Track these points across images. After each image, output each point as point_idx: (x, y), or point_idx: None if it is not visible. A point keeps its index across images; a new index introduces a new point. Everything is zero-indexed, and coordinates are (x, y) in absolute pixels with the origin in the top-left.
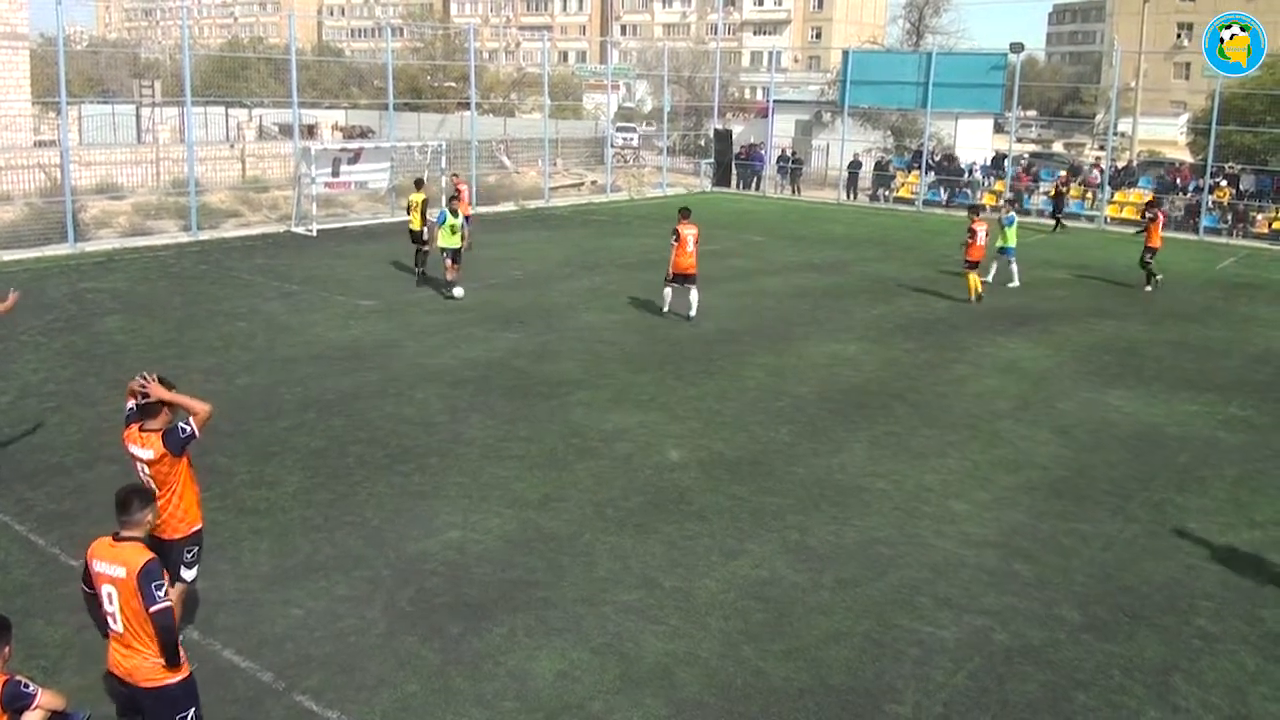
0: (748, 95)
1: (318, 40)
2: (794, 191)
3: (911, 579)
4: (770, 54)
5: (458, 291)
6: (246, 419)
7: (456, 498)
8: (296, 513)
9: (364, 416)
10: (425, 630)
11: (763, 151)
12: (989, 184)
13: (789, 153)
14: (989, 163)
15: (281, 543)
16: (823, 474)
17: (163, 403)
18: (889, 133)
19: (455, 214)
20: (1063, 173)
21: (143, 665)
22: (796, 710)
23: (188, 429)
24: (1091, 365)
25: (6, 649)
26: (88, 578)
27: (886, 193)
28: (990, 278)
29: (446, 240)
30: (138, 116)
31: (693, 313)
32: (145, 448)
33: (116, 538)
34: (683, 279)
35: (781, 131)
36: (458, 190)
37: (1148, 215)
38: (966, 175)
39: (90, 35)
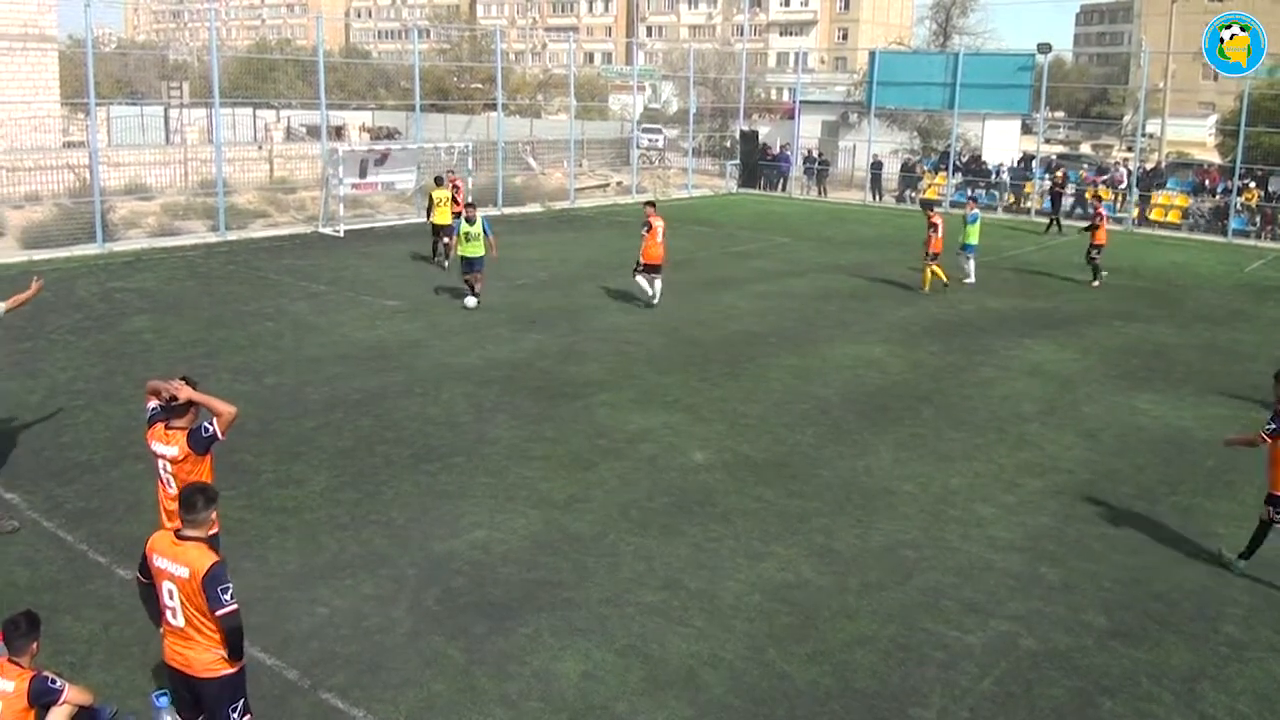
0: (774, 96)
1: (345, 42)
2: (820, 193)
3: (937, 583)
4: (796, 55)
5: (470, 301)
6: (274, 418)
7: (482, 498)
8: (323, 511)
9: (390, 416)
10: (450, 630)
11: (789, 153)
12: (1018, 185)
13: (815, 154)
14: (1016, 164)
15: (308, 541)
16: (848, 476)
17: (190, 403)
18: (915, 134)
19: (471, 221)
20: (1059, 173)
21: (202, 656)
22: (822, 714)
23: (210, 429)
24: (1119, 368)
25: (35, 644)
26: (145, 569)
27: (913, 194)
28: (971, 278)
29: (463, 249)
30: (166, 118)
31: (656, 300)
32: (170, 444)
33: (179, 535)
34: (651, 269)
35: (808, 133)
36: (455, 186)
37: (1092, 213)
38: (994, 176)
39: (118, 37)
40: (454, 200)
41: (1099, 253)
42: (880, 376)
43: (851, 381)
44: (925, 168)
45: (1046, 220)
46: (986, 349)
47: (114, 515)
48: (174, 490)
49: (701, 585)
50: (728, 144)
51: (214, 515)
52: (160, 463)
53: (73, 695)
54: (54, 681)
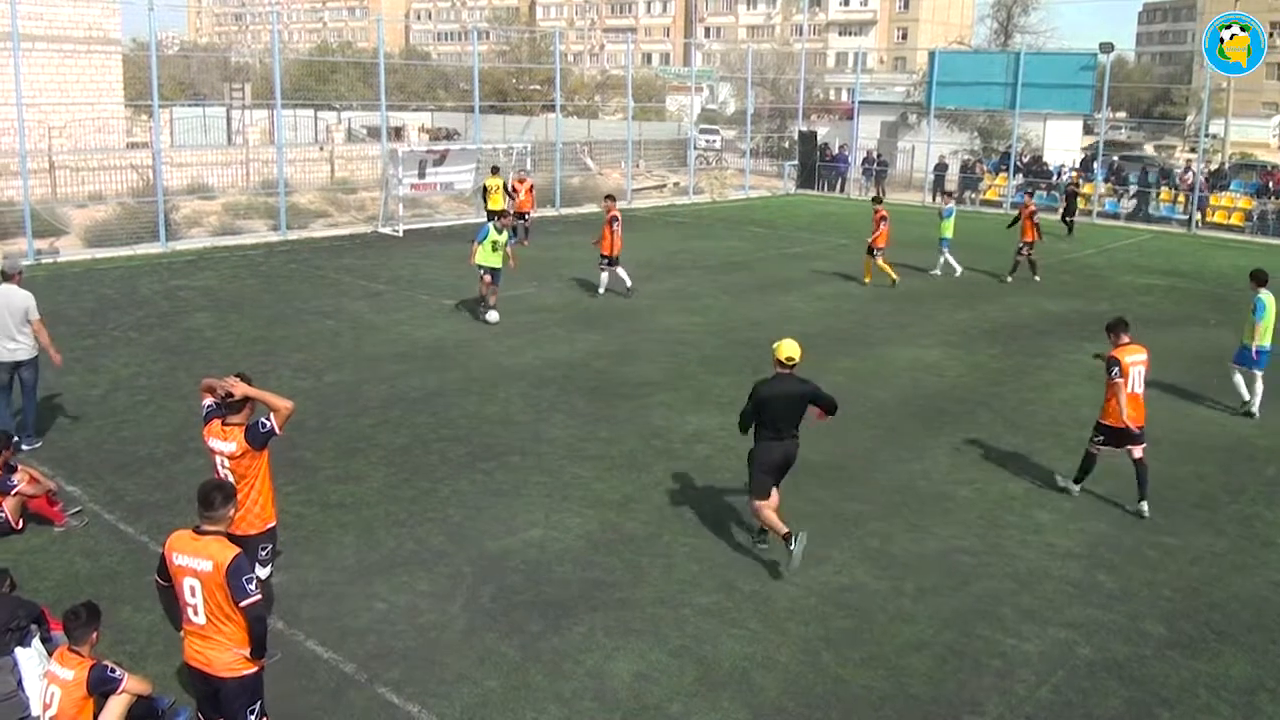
0: (832, 97)
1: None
2: (879, 194)
3: (994, 589)
4: (855, 55)
5: (492, 316)
6: (333, 415)
7: (538, 496)
8: (380, 508)
9: (447, 414)
10: (505, 627)
11: (847, 153)
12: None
13: (874, 155)
14: (1077, 164)
15: (365, 537)
16: (904, 480)
17: (246, 399)
18: (976, 134)
19: (501, 230)
20: (1074, 173)
21: (222, 656)
22: (876, 719)
23: (268, 424)
24: (1180, 373)
25: (95, 634)
26: (164, 571)
27: (973, 195)
28: (938, 270)
29: (486, 258)
30: (228, 119)
31: (629, 283)
32: (228, 440)
33: (198, 531)
34: (609, 261)
35: (866, 133)
36: (515, 187)
37: (1027, 210)
38: (1055, 177)
39: (181, 40)
40: (509, 194)
41: (1030, 249)
42: (937, 380)
43: (908, 384)
44: (986, 168)
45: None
46: (1045, 352)
47: (175, 508)
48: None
49: (756, 587)
50: (785, 145)
51: (233, 511)
52: (218, 458)
53: (131, 685)
54: (113, 671)
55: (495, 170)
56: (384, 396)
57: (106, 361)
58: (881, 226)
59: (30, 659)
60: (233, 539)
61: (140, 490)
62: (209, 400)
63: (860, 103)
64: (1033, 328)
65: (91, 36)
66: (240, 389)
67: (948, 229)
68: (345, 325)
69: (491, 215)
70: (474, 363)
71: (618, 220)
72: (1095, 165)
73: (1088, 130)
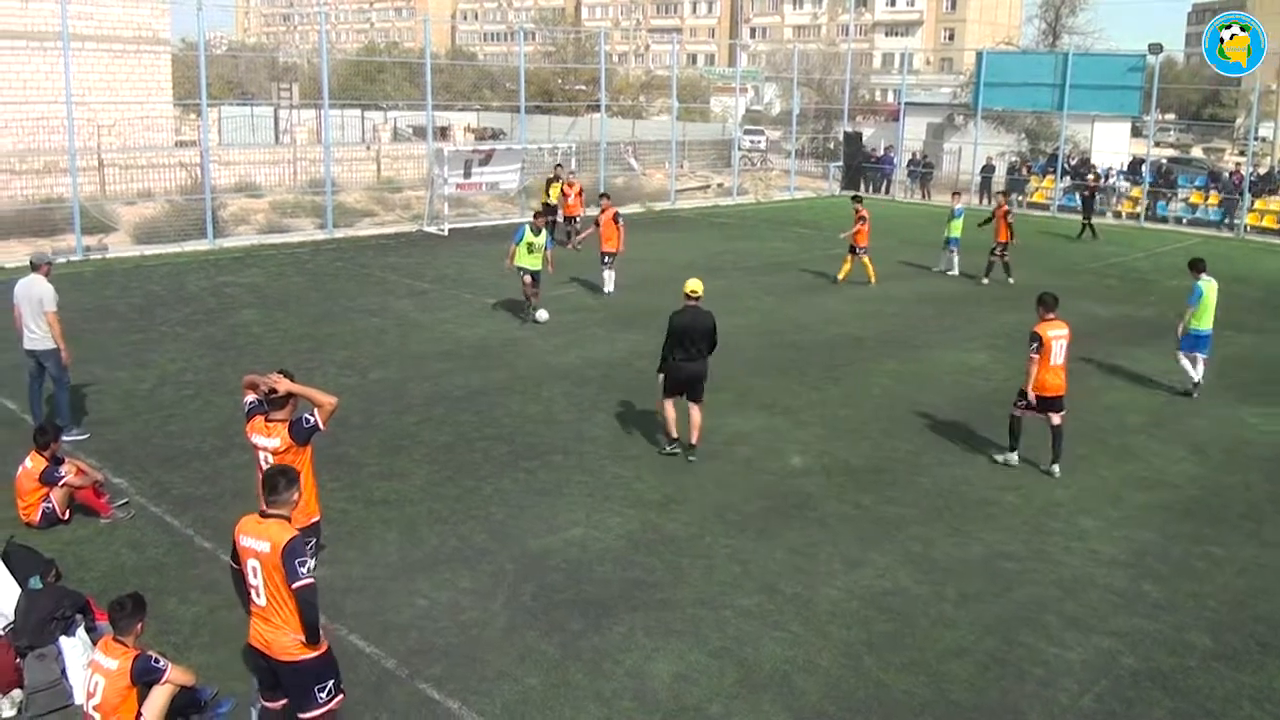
0: (878, 98)
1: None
2: (924, 196)
3: (1038, 596)
4: (902, 56)
5: (541, 315)
6: (377, 412)
7: (579, 495)
8: (424, 505)
9: (491, 413)
10: (546, 625)
11: (893, 155)
12: (1125, 189)
13: (919, 156)
14: (1125, 167)
15: (409, 534)
16: (948, 485)
17: (289, 395)
18: (1023, 136)
19: (537, 231)
20: (1090, 176)
21: (282, 639)
22: None
23: (312, 420)
24: (1229, 380)
25: (139, 625)
26: (235, 553)
27: (1020, 197)
28: (942, 267)
29: (523, 259)
30: (275, 118)
31: (609, 288)
32: (271, 436)
33: (263, 514)
34: (611, 258)
35: (912, 134)
36: (564, 191)
37: (1001, 210)
38: (1103, 180)
39: (229, 40)
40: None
41: (1004, 250)
42: (983, 383)
43: (953, 388)
44: (1033, 170)
45: (1080, 224)
46: (1092, 358)
47: (221, 502)
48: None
49: (797, 590)
50: (831, 146)
51: (296, 496)
52: (261, 454)
53: (175, 675)
54: (157, 661)
55: (558, 172)
56: (428, 394)
57: (154, 356)
58: (860, 225)
59: (74, 648)
60: None
61: (186, 483)
62: (251, 396)
63: (906, 104)
64: (1078, 332)
65: (141, 36)
66: (284, 385)
67: (956, 229)
68: (390, 323)
69: (550, 210)
70: (517, 362)
71: (620, 217)
72: (1143, 168)
73: (1136, 133)
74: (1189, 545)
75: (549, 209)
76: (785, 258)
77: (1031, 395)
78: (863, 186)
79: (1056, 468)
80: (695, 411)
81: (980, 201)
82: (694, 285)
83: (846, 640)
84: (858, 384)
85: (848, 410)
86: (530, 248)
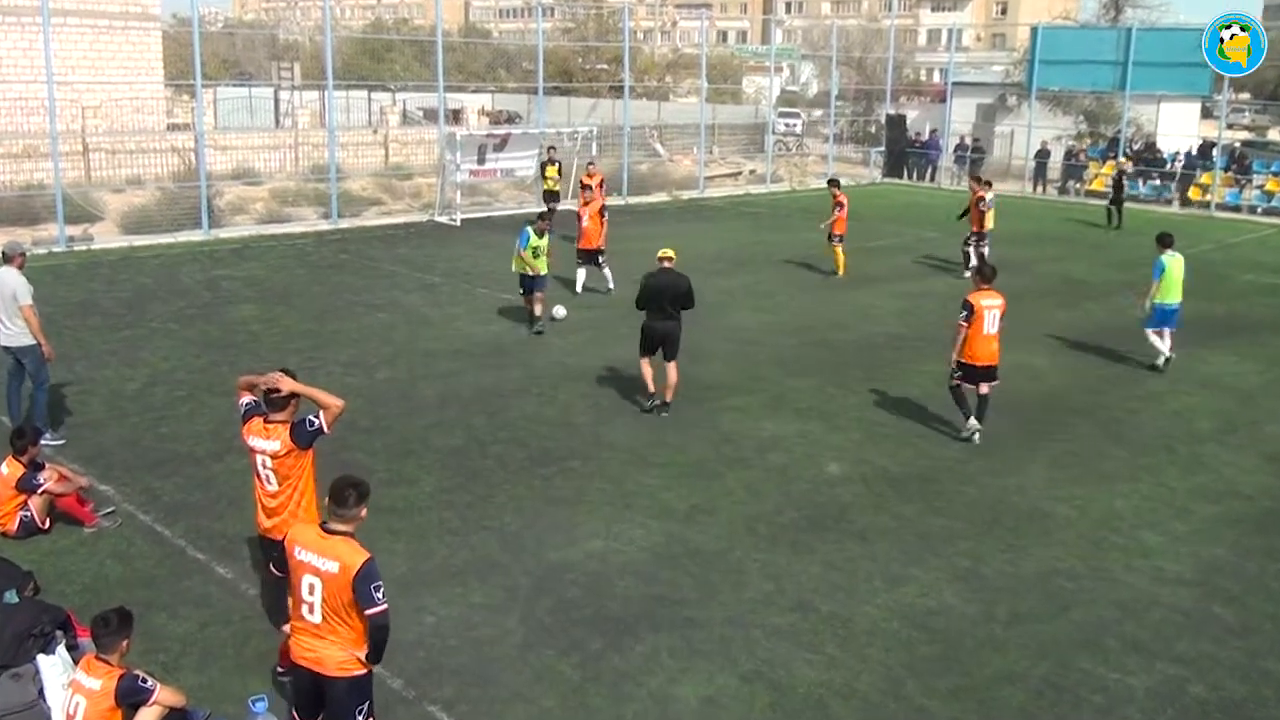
0: (923, 77)
1: (464, 21)
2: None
3: (1097, 617)
4: (950, 32)
5: (559, 311)
6: (385, 414)
7: (599, 505)
8: (433, 514)
9: (505, 415)
10: (564, 644)
11: (939, 139)
12: (1194, 176)
13: (968, 140)
14: (1195, 151)
15: (417, 544)
16: (997, 495)
17: (291, 396)
18: (1081, 118)
19: (542, 234)
20: (1123, 158)
21: (336, 655)
22: None
23: (316, 422)
24: None
25: (125, 642)
26: (283, 564)
27: (1077, 185)
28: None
29: (529, 265)
30: (276, 100)
31: (579, 289)
32: (270, 439)
33: (325, 529)
34: (584, 255)
35: (960, 117)
36: (584, 182)
37: (975, 197)
38: (1169, 165)
39: (225, 16)
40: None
41: (981, 240)
42: (1034, 386)
43: (1002, 391)
44: (1091, 155)
45: (1107, 212)
46: (1155, 357)
47: (215, 510)
48: (273, 487)
49: (834, 608)
50: (872, 129)
51: (364, 512)
52: (259, 458)
53: (164, 696)
54: (144, 681)
55: (552, 149)
56: (439, 395)
57: (144, 354)
58: (838, 212)
59: (54, 666)
60: (274, 543)
61: (178, 490)
62: (247, 398)
63: (954, 84)
64: (1141, 331)
65: (129, 12)
66: (287, 385)
67: (988, 221)
68: (399, 319)
69: (551, 197)
70: (534, 361)
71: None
72: (1214, 152)
73: (1207, 114)
74: (1264, 562)
75: (549, 196)
76: (821, 251)
77: (976, 359)
78: (906, 173)
79: (977, 429)
80: (671, 370)
81: (1035, 190)
82: (666, 252)
83: (887, 663)
84: (898, 386)
85: (888, 414)
86: (536, 252)
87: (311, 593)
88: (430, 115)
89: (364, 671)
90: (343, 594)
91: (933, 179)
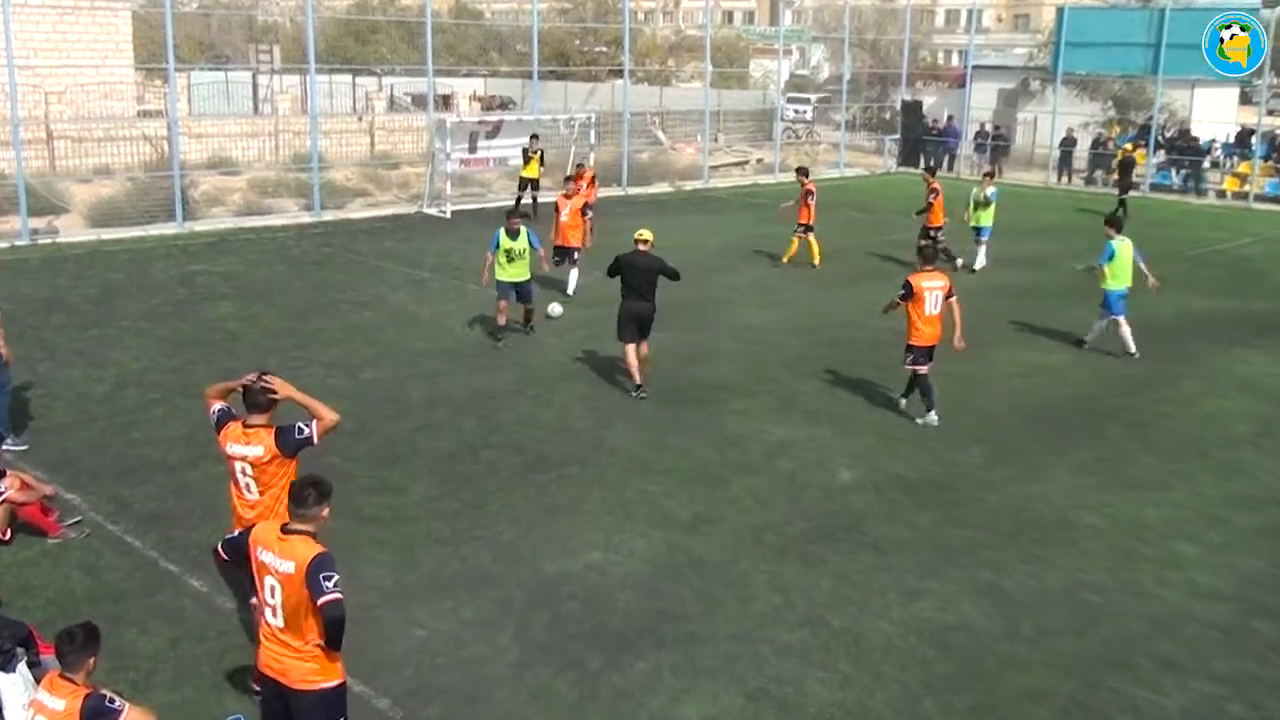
0: (941, 60)
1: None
2: (993, 173)
3: (1126, 633)
4: (970, 12)
5: (554, 309)
6: (370, 417)
7: (598, 514)
8: (422, 523)
9: (498, 419)
10: (560, 662)
11: (958, 126)
12: (1232, 165)
13: (989, 128)
14: (1232, 139)
15: (404, 556)
16: (1020, 503)
17: (273, 398)
18: (1110, 104)
19: (514, 234)
20: (1128, 144)
21: (300, 666)
22: None
23: (306, 431)
24: None
25: (92, 659)
26: (240, 551)
27: (1105, 175)
28: (976, 263)
29: (505, 272)
30: (254, 85)
31: (570, 290)
32: (252, 444)
33: (285, 529)
34: (560, 252)
35: (981, 103)
36: (575, 180)
37: (930, 187)
38: (1205, 154)
39: None
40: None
41: (938, 232)
42: (1058, 387)
43: (1024, 392)
44: (1119, 144)
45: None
46: (1188, 358)
47: (189, 520)
48: (253, 495)
49: (846, 624)
50: (886, 116)
51: (326, 512)
52: (238, 465)
53: (133, 716)
54: (112, 701)
55: (535, 137)
56: (427, 397)
57: (114, 354)
58: (808, 201)
59: (13, 685)
60: None
61: (149, 499)
62: (218, 405)
63: (974, 67)
64: (1173, 329)
65: None
66: (284, 389)
67: (987, 216)
68: (385, 317)
69: (530, 184)
70: (529, 360)
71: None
72: (1253, 140)
73: (1245, 100)
74: None
75: (526, 184)
76: (831, 244)
77: (925, 340)
78: (923, 162)
79: (905, 401)
80: (643, 347)
81: (1059, 180)
82: (643, 234)
83: (903, 681)
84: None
85: (903, 418)
86: (510, 255)
87: (273, 595)
88: (419, 101)
89: (334, 684)
90: (299, 594)
91: (951, 168)
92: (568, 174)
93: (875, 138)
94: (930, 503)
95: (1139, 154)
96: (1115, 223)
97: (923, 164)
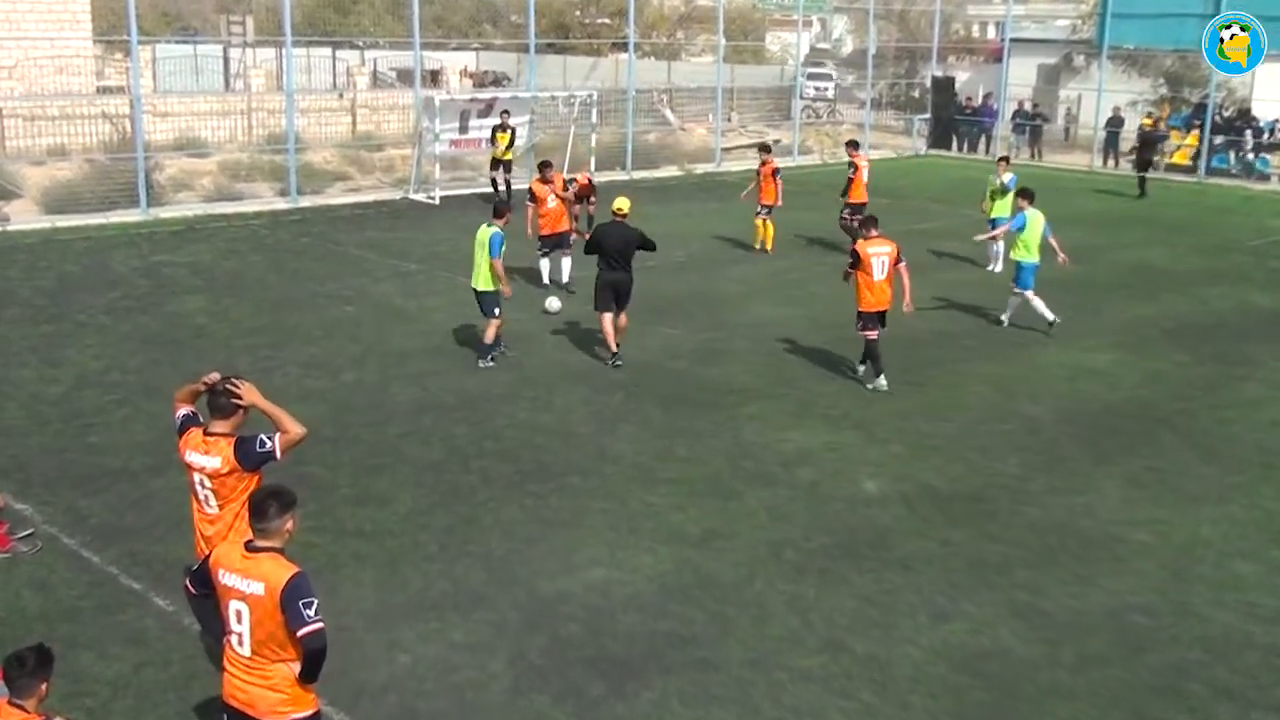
0: (976, 33)
1: None
2: (1033, 155)
3: (1179, 660)
4: None
5: (552, 304)
6: (352, 423)
7: (600, 528)
8: (408, 538)
9: (491, 424)
10: (559, 689)
11: (994, 105)
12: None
13: (1028, 106)
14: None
15: (389, 573)
16: (1062, 518)
17: (239, 404)
18: (1161, 81)
19: (494, 230)
20: (1146, 120)
21: (268, 696)
22: None
23: (269, 444)
24: None
25: (44, 685)
26: (206, 581)
27: (1157, 158)
28: (991, 268)
29: (485, 279)
30: (225, 59)
31: (565, 278)
32: (210, 454)
33: (249, 547)
34: (551, 243)
35: (1019, 79)
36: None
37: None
38: (1267, 136)
39: None
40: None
41: (855, 212)
42: (1107, 391)
43: (1069, 397)
44: (1172, 125)
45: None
46: (1251, 360)
47: (153, 533)
48: (211, 509)
49: (871, 649)
50: (915, 94)
51: (291, 524)
52: (197, 476)
53: None
54: None
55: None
56: (414, 401)
57: (70, 353)
58: (774, 180)
59: None
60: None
61: (109, 510)
62: (185, 409)
63: (1012, 40)
64: (1233, 327)
65: None
66: (250, 394)
67: (1004, 207)
68: (368, 313)
69: (497, 165)
70: (525, 360)
71: (533, 194)
72: None
73: None
74: None
75: (498, 165)
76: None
77: (874, 305)
78: (956, 144)
79: (863, 368)
80: (622, 318)
81: (1105, 164)
82: (620, 204)
83: (932, 712)
84: (948, 391)
85: (934, 423)
86: (474, 253)
87: (239, 620)
88: (405, 77)
89: (306, 714)
90: (272, 619)
91: (988, 150)
92: (567, 176)
93: (903, 117)
94: (963, 517)
95: (1191, 136)
96: (1028, 193)
97: (1123, 147)
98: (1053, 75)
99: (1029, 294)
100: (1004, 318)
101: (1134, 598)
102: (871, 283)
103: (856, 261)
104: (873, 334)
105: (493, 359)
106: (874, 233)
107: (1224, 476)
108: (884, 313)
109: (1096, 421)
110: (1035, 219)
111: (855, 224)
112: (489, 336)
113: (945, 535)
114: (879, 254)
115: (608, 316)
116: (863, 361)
